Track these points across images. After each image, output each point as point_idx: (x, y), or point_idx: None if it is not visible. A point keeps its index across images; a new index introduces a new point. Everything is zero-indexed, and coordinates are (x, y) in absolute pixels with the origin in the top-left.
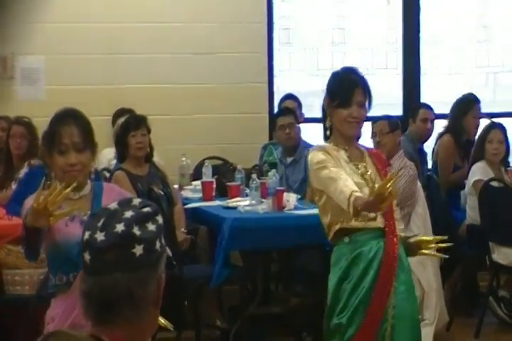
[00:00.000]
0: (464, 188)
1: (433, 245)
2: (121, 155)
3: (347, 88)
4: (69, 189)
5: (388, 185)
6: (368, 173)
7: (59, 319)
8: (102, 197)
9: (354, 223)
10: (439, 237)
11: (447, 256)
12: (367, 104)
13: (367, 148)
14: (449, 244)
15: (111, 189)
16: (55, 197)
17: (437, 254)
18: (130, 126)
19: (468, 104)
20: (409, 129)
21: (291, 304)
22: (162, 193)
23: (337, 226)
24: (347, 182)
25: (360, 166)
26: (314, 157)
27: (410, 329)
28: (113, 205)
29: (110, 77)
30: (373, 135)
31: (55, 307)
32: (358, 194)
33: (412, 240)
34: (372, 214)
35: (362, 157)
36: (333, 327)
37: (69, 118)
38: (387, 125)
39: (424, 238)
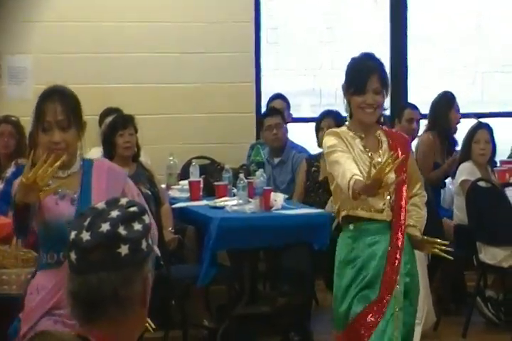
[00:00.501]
0: (445, 187)
1: (437, 246)
2: (109, 154)
3: (362, 75)
4: (57, 163)
5: (387, 170)
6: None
7: (46, 294)
8: (92, 174)
9: (360, 212)
10: (441, 241)
11: (452, 258)
12: (384, 90)
13: (389, 131)
14: (449, 249)
15: (101, 164)
16: (43, 172)
17: (446, 255)
18: (118, 125)
19: (449, 101)
20: (394, 129)
21: (279, 304)
22: (149, 193)
23: (343, 213)
24: (350, 166)
25: (374, 156)
26: (327, 141)
27: (412, 316)
28: (100, 204)
29: (97, 77)
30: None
31: (41, 279)
32: (358, 177)
33: (419, 238)
34: (379, 204)
35: (378, 146)
36: (337, 310)
37: (54, 95)
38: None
39: (430, 239)
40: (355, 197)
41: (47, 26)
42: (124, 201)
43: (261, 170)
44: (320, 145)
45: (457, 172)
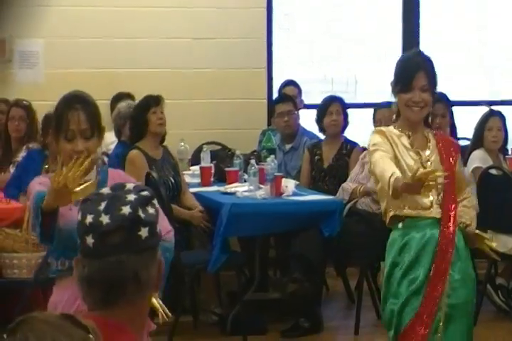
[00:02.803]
0: None
1: (487, 243)
2: (138, 134)
3: (408, 72)
4: (86, 163)
5: (432, 175)
6: (429, 162)
7: (62, 307)
8: (108, 184)
9: (407, 211)
10: (491, 239)
11: (499, 259)
12: (432, 88)
13: (438, 134)
14: (498, 250)
15: (116, 175)
16: (73, 174)
17: (493, 255)
18: (151, 102)
19: None
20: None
21: (289, 290)
22: (173, 181)
23: (391, 213)
24: (390, 165)
25: (421, 153)
26: (372, 139)
27: (464, 318)
28: (105, 190)
29: (109, 61)
30: (377, 122)
31: (57, 294)
32: (399, 175)
33: (470, 231)
34: (426, 202)
35: (426, 144)
36: (388, 312)
37: (77, 103)
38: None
39: (482, 234)
40: (395, 194)
41: (59, 10)
42: (130, 186)
43: (272, 156)
44: (323, 130)
45: (469, 159)
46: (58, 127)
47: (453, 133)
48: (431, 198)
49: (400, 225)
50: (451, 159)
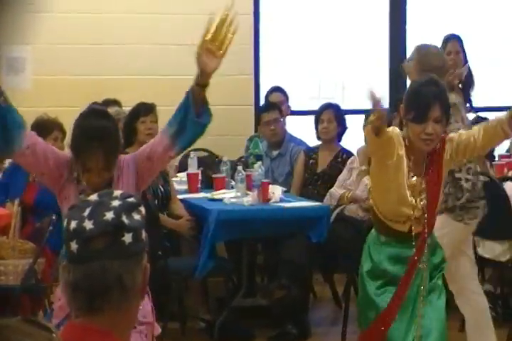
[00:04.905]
0: None
1: None
2: (128, 141)
3: (423, 103)
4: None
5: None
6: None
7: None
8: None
9: (383, 218)
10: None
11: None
12: (444, 118)
13: (431, 152)
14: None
15: (126, 160)
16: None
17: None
18: (140, 111)
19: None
20: (393, 123)
21: (276, 296)
22: (162, 189)
23: (374, 210)
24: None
25: (417, 181)
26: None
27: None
28: (93, 197)
29: (96, 68)
30: None
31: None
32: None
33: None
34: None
35: (422, 172)
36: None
37: (96, 139)
38: None
39: None
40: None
41: (46, 17)
42: (117, 193)
43: (259, 163)
44: (319, 137)
45: None
46: (76, 158)
47: None
48: (408, 224)
49: (383, 239)
50: (435, 184)
